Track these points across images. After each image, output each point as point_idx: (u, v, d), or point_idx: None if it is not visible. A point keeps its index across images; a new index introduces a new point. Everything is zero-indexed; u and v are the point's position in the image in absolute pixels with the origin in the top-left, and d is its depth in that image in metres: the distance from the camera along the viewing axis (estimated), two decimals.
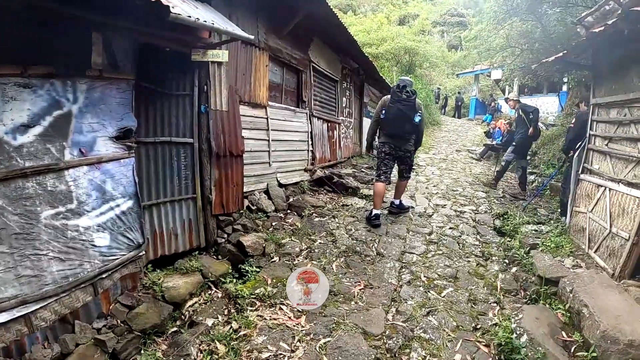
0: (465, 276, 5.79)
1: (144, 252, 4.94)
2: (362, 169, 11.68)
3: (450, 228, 7.46)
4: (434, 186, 10.40)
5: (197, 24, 4.23)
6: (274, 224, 6.91)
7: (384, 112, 7.20)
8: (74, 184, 4.04)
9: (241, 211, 6.73)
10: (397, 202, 7.91)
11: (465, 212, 8.43)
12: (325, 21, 8.48)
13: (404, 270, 5.84)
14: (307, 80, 9.30)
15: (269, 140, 7.63)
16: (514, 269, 6.06)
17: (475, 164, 15.89)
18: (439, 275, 5.76)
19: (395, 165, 7.70)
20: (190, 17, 4.07)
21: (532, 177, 12.16)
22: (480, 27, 16.51)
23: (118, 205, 4.59)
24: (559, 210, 8.39)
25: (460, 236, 7.16)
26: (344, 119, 12.30)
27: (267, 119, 7.57)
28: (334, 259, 6.02)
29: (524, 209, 8.72)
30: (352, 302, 4.96)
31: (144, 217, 5.06)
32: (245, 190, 6.91)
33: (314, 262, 5.87)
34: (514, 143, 10.62)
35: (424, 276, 5.69)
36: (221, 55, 5.72)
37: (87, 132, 4.22)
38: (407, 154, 7.43)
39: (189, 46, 5.43)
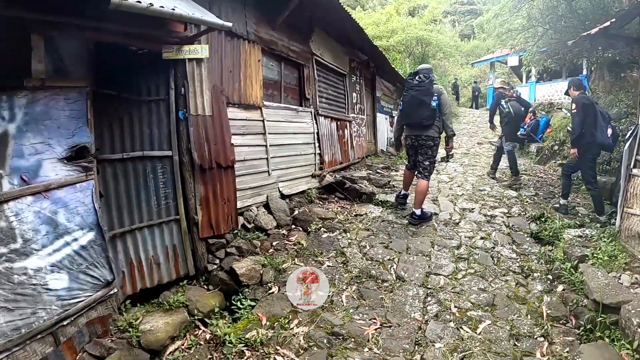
0: (504, 302, 4.78)
1: (116, 290, 4.23)
2: (378, 170, 10.60)
3: (481, 238, 6.41)
4: (459, 186, 9.30)
5: (151, 10, 3.38)
6: (274, 243, 5.94)
7: (401, 103, 7.06)
8: (16, 220, 3.39)
9: (235, 231, 5.80)
10: (418, 212, 6.80)
11: (496, 216, 7.35)
12: (325, 7, 7.53)
13: (429, 299, 4.82)
14: (309, 75, 8.27)
15: (266, 146, 6.66)
16: (560, 288, 5.04)
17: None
18: (472, 303, 4.75)
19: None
20: (140, 2, 3.22)
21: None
22: (500, 5, 15.11)
23: (75, 240, 3.86)
24: (594, 209, 7.35)
25: (493, 248, 6.12)
26: (355, 115, 11.25)
27: (263, 121, 6.60)
28: (344, 286, 5.03)
29: (564, 210, 7.55)
30: (366, 349, 3.99)
31: (115, 247, 4.47)
32: (239, 206, 5.97)
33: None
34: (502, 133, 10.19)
35: (455, 306, 4.69)
36: (200, 50, 4.91)
37: (30, 154, 3.53)
38: (428, 142, 6.79)
39: (159, 42, 4.60)
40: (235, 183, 5.81)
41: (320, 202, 7.68)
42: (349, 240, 6.13)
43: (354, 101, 11.29)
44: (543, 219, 7.00)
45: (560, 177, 10.33)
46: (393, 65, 14.81)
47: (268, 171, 6.71)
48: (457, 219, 7.12)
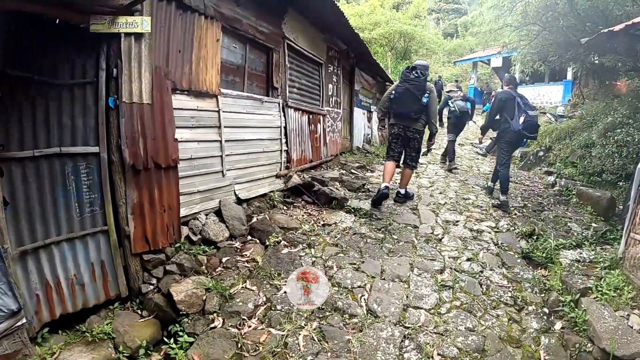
0: (496, 345, 3.88)
1: (25, 320, 3.35)
2: (352, 170, 9.60)
3: (467, 259, 5.48)
4: (440, 193, 8.35)
5: None
6: (224, 260, 4.96)
7: (394, 92, 7.12)
8: None
9: (178, 244, 4.81)
10: (402, 191, 7.51)
11: (483, 231, 6.46)
12: None
13: (407, 342, 3.85)
14: (279, 61, 7.22)
15: (221, 142, 5.63)
16: (558, 326, 4.23)
17: (481, 160, 13.96)
18: (459, 349, 3.80)
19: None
20: None
21: (551, 178, 10.30)
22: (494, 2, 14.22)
23: None
24: (500, 188, 7.84)
25: (482, 272, 5.20)
26: (330, 109, 10.22)
27: (218, 112, 5.55)
28: (303, 322, 4.02)
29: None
30: None
31: (26, 266, 3.61)
32: (184, 213, 4.98)
33: (272, 330, 3.86)
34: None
35: (438, 353, 3.72)
36: (140, 23, 4.00)
37: None
38: (416, 135, 7.15)
39: (86, 12, 3.68)
40: (178, 186, 4.82)
41: (285, 208, 6.67)
42: (314, 259, 5.13)
43: (330, 93, 10.26)
44: (534, 237, 6.18)
45: (546, 185, 9.69)
46: (374, 59, 13.85)
47: (222, 171, 5.68)
48: (440, 233, 6.17)
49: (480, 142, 11.89)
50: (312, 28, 8.58)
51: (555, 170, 11.04)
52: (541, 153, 12.64)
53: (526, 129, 7.45)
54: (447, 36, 42.57)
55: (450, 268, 5.18)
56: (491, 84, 31.36)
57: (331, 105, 10.34)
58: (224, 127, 5.63)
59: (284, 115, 7.27)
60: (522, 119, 7.44)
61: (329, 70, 10.10)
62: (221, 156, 5.61)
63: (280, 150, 7.15)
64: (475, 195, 8.34)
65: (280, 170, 7.13)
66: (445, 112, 11.43)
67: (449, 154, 11.05)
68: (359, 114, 13.75)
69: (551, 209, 7.87)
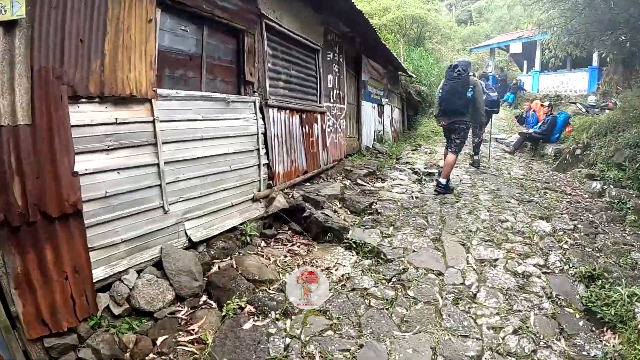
0: None
1: None
2: (359, 179, 7.76)
3: (514, 332, 3.62)
4: (470, 212, 6.46)
5: None
6: (160, 340, 3.25)
7: (440, 91, 7.59)
8: None
9: (95, 319, 3.20)
10: (443, 181, 7.59)
11: (530, 274, 4.60)
12: None
13: None
14: (255, 47, 5.39)
15: (159, 165, 3.85)
16: None
17: (509, 159, 12.06)
18: None
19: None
20: None
21: (596, 185, 8.39)
22: None
23: None
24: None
25: (534, 352, 3.40)
26: (330, 105, 8.37)
27: (153, 122, 3.78)
28: None
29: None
30: None
31: None
32: (101, 275, 3.37)
33: None
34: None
35: None
36: (9, 7, 2.54)
37: None
38: (462, 125, 7.55)
39: None
40: (85, 240, 3.16)
41: (262, 244, 4.90)
42: (288, 339, 3.32)
43: (330, 86, 8.38)
44: (597, 280, 4.41)
45: (592, 194, 7.89)
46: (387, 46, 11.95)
47: (163, 206, 3.90)
48: (474, 283, 4.30)
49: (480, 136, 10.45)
50: (302, 5, 6.69)
51: (598, 173, 9.10)
52: (578, 151, 10.63)
53: (487, 104, 8.69)
54: (460, 23, 40.34)
55: (491, 349, 3.35)
56: (508, 72, 29.57)
57: (332, 101, 8.47)
58: (164, 143, 3.86)
59: (263, 118, 5.44)
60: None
61: (328, 58, 8.23)
62: (160, 185, 3.84)
63: (258, 165, 5.33)
64: (513, 215, 6.44)
65: (258, 191, 5.32)
66: None
67: (474, 148, 10.57)
68: (368, 109, 11.87)
69: (606, 231, 6.02)
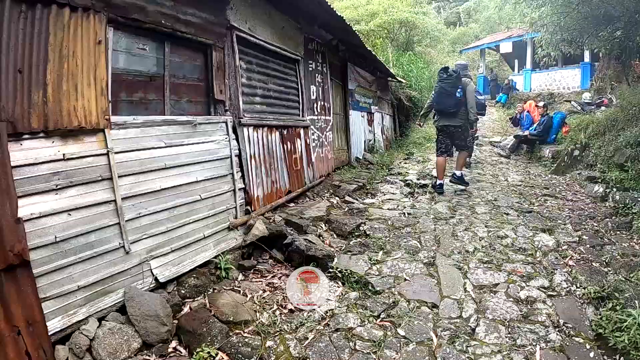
0: None
1: None
2: (347, 196, 7.39)
3: None
4: (466, 229, 6.09)
5: None
6: None
7: (433, 92, 8.08)
8: None
9: None
10: (458, 173, 8.23)
11: (535, 299, 4.21)
12: None
13: None
14: (226, 63, 5.02)
15: (116, 202, 3.47)
16: None
17: (506, 163, 11.73)
18: None
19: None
20: None
21: (598, 188, 8.05)
22: None
23: None
24: None
25: None
26: (315, 117, 8.01)
27: (107, 155, 3.41)
28: None
29: None
30: None
31: None
32: (58, 326, 3.05)
33: None
34: None
35: None
36: None
37: None
38: (458, 129, 7.94)
39: None
40: (36, 290, 2.83)
41: (240, 277, 4.49)
42: None
43: (313, 97, 8.01)
44: (607, 301, 4.04)
45: (594, 198, 7.62)
46: (373, 52, 11.59)
47: (124, 246, 3.52)
48: (472, 316, 3.91)
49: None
50: (277, 13, 6.33)
51: (599, 174, 8.79)
52: (577, 152, 10.31)
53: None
54: (449, 25, 40.53)
55: None
56: (498, 72, 29.62)
57: (316, 113, 8.11)
58: (121, 176, 3.50)
59: (237, 139, 5.07)
60: None
61: (310, 68, 7.87)
62: (119, 224, 3.46)
63: (233, 191, 4.93)
64: (513, 229, 6.08)
65: (235, 218, 4.93)
66: None
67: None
68: (356, 118, 11.52)
69: (612, 241, 5.68)
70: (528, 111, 14.49)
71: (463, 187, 8.31)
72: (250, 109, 5.59)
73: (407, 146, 14.73)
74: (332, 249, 5.05)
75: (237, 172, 5.00)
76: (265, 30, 5.98)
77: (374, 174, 9.67)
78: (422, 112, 9.00)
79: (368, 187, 8.36)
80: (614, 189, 7.63)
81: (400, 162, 11.51)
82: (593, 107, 14.80)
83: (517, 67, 27.72)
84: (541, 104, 13.79)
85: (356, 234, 5.69)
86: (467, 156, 8.72)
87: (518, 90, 23.91)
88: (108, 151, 3.36)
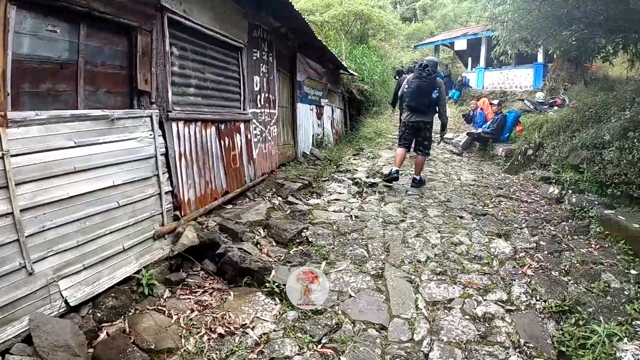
0: None
1: None
2: (291, 196, 6.98)
3: None
4: (417, 235, 5.80)
5: None
6: None
7: (407, 86, 8.25)
8: None
9: None
10: (417, 177, 8.37)
11: (493, 316, 3.96)
12: None
13: None
14: (153, 49, 4.48)
15: (13, 214, 2.94)
16: None
17: (458, 161, 11.68)
18: None
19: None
20: None
21: (553, 190, 8.05)
22: None
23: None
24: None
25: None
26: (258, 111, 7.52)
27: (2, 159, 2.89)
28: None
29: None
30: None
31: None
32: None
33: None
34: None
35: None
36: None
37: None
38: (427, 125, 8.23)
39: None
40: None
41: (167, 294, 4.00)
42: None
43: (257, 89, 7.50)
44: (569, 314, 3.94)
45: (549, 200, 7.68)
46: (327, 44, 11.20)
47: (25, 266, 2.98)
48: (425, 338, 3.58)
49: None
50: None
51: (553, 175, 8.79)
52: (530, 152, 10.33)
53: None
54: (405, 20, 40.85)
55: None
56: (452, 69, 30.10)
57: (260, 106, 7.62)
58: (20, 184, 2.96)
59: (164, 135, 4.55)
60: None
61: (255, 57, 7.37)
62: (18, 240, 2.92)
63: (159, 194, 4.42)
64: (467, 234, 5.86)
65: (161, 225, 4.43)
66: None
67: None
68: (304, 112, 11.11)
69: (571, 246, 5.59)
70: (481, 109, 14.49)
71: (424, 185, 8.51)
72: (182, 101, 5.08)
73: (357, 141, 14.40)
74: (270, 259, 4.62)
75: (163, 173, 4.48)
76: (204, 14, 5.45)
77: (321, 171, 9.28)
78: (393, 99, 9.50)
79: (314, 186, 7.98)
80: (570, 191, 7.62)
81: (349, 158, 11.15)
82: (546, 106, 15.01)
83: (471, 65, 28.00)
84: (495, 102, 13.80)
85: (297, 241, 5.28)
86: (424, 161, 8.72)
87: (471, 87, 24.11)
88: (3, 154, 2.82)
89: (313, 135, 11.87)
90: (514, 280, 4.61)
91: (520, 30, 10.14)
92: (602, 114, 8.68)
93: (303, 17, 7.90)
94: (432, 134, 8.65)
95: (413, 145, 8.85)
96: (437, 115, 8.32)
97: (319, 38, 10.14)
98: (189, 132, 5.07)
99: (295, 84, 10.22)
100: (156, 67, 4.48)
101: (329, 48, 11.57)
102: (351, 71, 16.26)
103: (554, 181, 8.52)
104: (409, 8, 44.89)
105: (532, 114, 14.37)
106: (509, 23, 9.86)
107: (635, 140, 6.64)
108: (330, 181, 8.45)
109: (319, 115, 12.63)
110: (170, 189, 4.64)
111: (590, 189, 7.47)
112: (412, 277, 4.55)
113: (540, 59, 20.32)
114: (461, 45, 25.53)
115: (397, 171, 8.06)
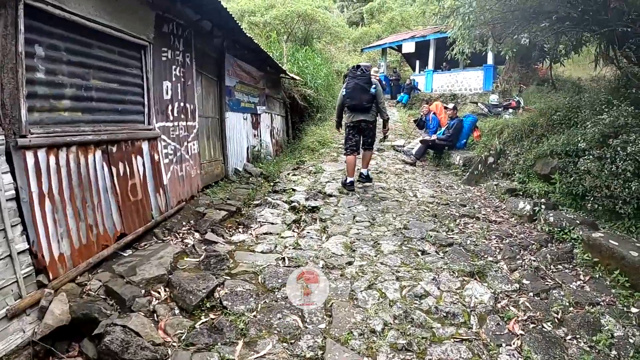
0: None
1: None
2: (211, 231, 5.82)
3: None
4: (369, 287, 4.65)
5: None
6: None
7: (344, 90, 8.46)
8: None
9: None
10: (365, 171, 8.84)
11: None
12: None
13: None
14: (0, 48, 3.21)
15: None
16: None
17: (412, 172, 11.01)
18: None
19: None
20: None
21: (524, 206, 7.28)
22: None
23: None
24: None
25: None
26: (169, 124, 6.26)
27: None
28: None
29: None
30: None
31: None
32: None
33: None
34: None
35: None
36: None
37: None
38: (370, 125, 8.55)
39: None
40: None
41: None
42: None
43: (168, 97, 6.22)
44: None
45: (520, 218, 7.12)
46: (267, 47, 10.28)
47: None
48: None
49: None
50: None
51: (519, 186, 8.23)
52: (491, 159, 9.72)
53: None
54: (352, 24, 42.37)
55: None
56: (400, 71, 30.43)
57: (172, 118, 6.37)
58: None
59: (13, 171, 3.31)
60: None
61: (164, 58, 6.13)
62: None
63: (9, 256, 3.19)
64: (434, 280, 4.83)
65: (19, 298, 3.21)
66: None
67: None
68: (236, 121, 9.99)
69: (557, 281, 4.87)
70: (434, 113, 13.79)
71: (369, 184, 8.97)
72: (49, 120, 3.85)
73: (299, 151, 13.42)
74: (168, 340, 3.44)
75: (13, 225, 3.25)
76: (87, 2, 4.25)
77: (254, 192, 8.11)
78: (337, 115, 8.99)
79: (243, 213, 6.81)
80: (543, 207, 6.93)
81: (288, 173, 10.05)
82: (500, 109, 14.81)
83: (419, 68, 28.18)
84: (451, 105, 13.10)
85: (208, 305, 4.01)
86: (371, 155, 9.17)
87: (419, 90, 24.18)
88: None
89: (248, 148, 10.77)
90: (501, 345, 3.72)
91: (482, 27, 9.65)
92: (572, 117, 8.08)
93: (225, 7, 6.68)
94: (375, 132, 8.90)
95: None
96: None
97: (249, 35, 9.08)
98: (58, 162, 3.80)
99: (223, 89, 9.03)
100: (4, 75, 3.26)
101: (270, 51, 10.58)
102: (293, 75, 15.48)
103: (521, 193, 8.01)
104: (356, 12, 46.25)
105: (488, 117, 14.05)
106: (470, 17, 9.10)
107: (619, 149, 5.96)
108: (263, 206, 7.27)
109: (255, 125, 11.54)
110: (27, 246, 3.40)
111: (564, 203, 6.98)
112: (365, 359, 3.47)
113: (490, 60, 20.75)
114: (409, 47, 25.66)
115: (352, 182, 8.44)
